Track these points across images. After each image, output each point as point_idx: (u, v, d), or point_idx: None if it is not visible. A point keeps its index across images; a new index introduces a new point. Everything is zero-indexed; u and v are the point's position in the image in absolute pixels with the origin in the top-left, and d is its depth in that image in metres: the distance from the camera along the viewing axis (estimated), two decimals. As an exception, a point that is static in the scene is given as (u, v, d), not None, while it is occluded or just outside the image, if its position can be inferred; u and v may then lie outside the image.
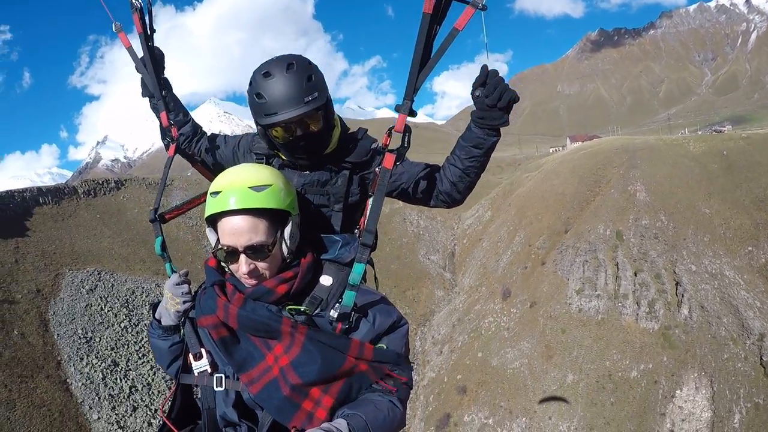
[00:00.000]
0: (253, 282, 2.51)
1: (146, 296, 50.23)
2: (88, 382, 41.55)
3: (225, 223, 2.45)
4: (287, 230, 2.53)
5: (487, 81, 2.69)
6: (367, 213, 3.01)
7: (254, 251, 2.43)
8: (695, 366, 45.17)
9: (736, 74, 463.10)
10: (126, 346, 45.44)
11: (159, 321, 2.88)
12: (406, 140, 2.81)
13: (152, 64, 3.52)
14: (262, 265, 2.48)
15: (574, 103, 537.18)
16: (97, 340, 45.01)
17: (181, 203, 3.50)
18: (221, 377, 2.58)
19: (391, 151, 2.79)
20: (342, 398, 2.42)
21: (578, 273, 52.28)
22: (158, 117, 3.60)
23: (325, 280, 2.61)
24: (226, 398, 2.59)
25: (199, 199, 3.26)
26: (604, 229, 54.31)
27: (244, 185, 2.43)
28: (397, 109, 2.73)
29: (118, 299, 48.54)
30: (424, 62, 2.67)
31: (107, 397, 41.61)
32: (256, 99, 2.88)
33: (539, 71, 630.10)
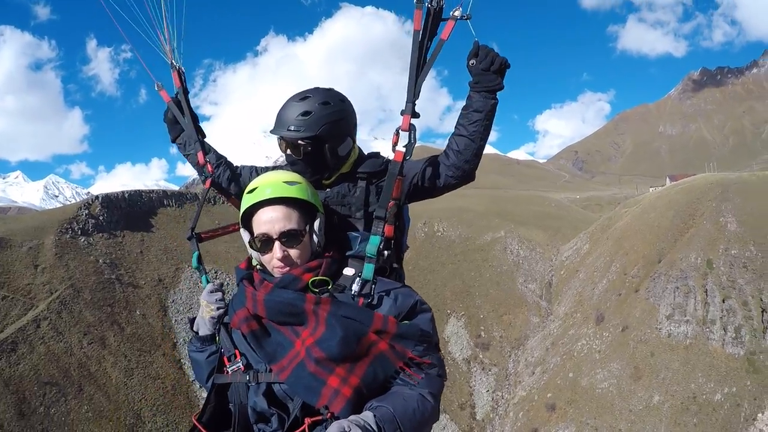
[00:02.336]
0: (286, 269, 2.72)
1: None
2: None
3: (260, 215, 2.73)
4: (316, 223, 2.80)
5: (478, 52, 3.08)
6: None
7: (288, 238, 2.68)
8: None
9: None
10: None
11: (197, 333, 3.07)
12: (412, 137, 3.09)
13: (191, 113, 4.03)
14: (294, 252, 2.71)
15: (676, 143, 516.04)
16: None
17: (218, 227, 3.84)
18: (254, 373, 2.68)
19: (400, 148, 3.11)
20: (368, 381, 2.47)
21: (669, 299, 54.49)
22: (185, 156, 4.18)
23: (348, 271, 2.85)
24: (257, 390, 2.66)
25: (235, 226, 3.39)
26: (695, 258, 56.21)
27: (278, 180, 2.75)
28: (402, 112, 3.10)
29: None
30: (419, 69, 3.09)
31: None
32: None
33: (641, 111, 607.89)
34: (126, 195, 58.90)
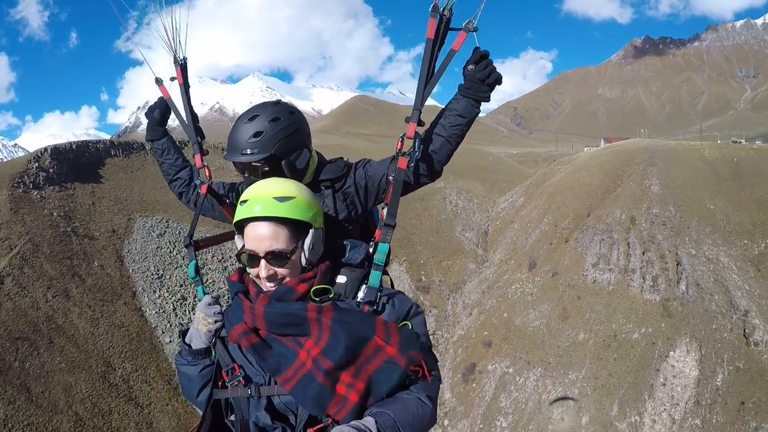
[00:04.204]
0: (271, 285, 2.74)
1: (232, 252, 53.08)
2: (161, 311, 46.91)
3: (249, 229, 2.73)
4: (307, 241, 2.77)
5: (479, 60, 3.16)
6: (383, 213, 3.19)
7: (274, 257, 2.67)
8: (687, 333, 51.43)
9: None
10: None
11: (189, 346, 3.05)
12: (416, 145, 3.17)
13: (191, 113, 4.00)
14: (281, 271, 2.72)
15: (614, 106, 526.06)
16: (168, 277, 50.05)
17: (216, 235, 3.97)
18: (254, 386, 2.70)
19: (403, 154, 3.18)
20: (374, 384, 2.51)
21: (595, 249, 59.40)
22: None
23: (341, 278, 2.86)
24: (258, 404, 2.70)
25: (233, 235, 3.27)
26: (620, 214, 61.29)
27: (269, 195, 2.70)
28: (407, 119, 3.16)
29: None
30: (429, 78, 3.14)
31: (177, 324, 46.40)
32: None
33: (582, 72, 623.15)
34: (74, 146, 58.41)
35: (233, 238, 3.30)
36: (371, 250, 2.98)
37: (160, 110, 4.18)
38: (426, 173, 3.49)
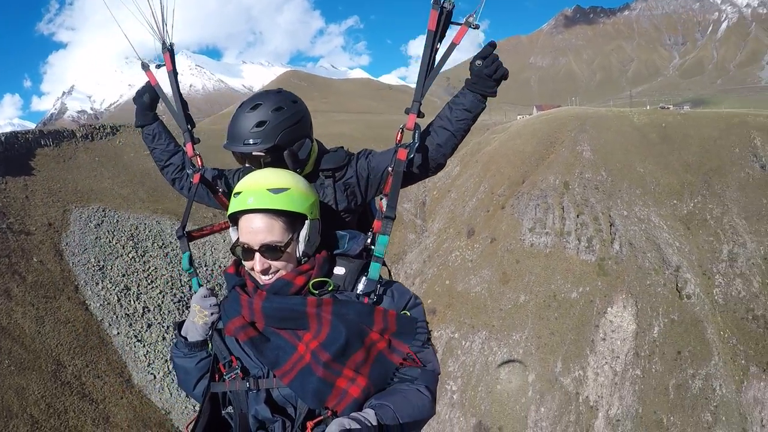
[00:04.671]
0: (267, 279, 2.71)
1: (149, 231, 53.41)
2: (106, 303, 45.02)
3: (244, 222, 2.68)
4: (303, 232, 2.72)
5: (487, 56, 3.17)
6: (384, 207, 3.14)
7: (268, 250, 2.63)
8: (623, 289, 53.92)
9: (702, 60, 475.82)
10: (135, 274, 48.70)
11: (185, 339, 3.00)
12: (415, 136, 3.19)
13: (181, 100, 3.90)
14: (276, 264, 2.68)
15: (546, 75, 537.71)
16: (109, 267, 47.86)
17: (210, 224, 3.78)
18: (253, 379, 2.70)
19: (404, 146, 3.18)
20: (375, 379, 2.54)
21: (531, 215, 60.91)
22: (152, 150, 4.10)
23: (339, 270, 2.82)
24: (257, 397, 2.70)
25: (226, 224, 3.31)
26: (554, 180, 62.96)
27: (263, 187, 2.66)
28: (407, 111, 3.19)
29: (123, 233, 51.59)
30: (429, 69, 3.15)
31: (123, 316, 44.88)
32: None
33: (514, 42, 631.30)
34: (2, 138, 54.98)
35: (227, 228, 3.35)
36: (369, 241, 3.01)
37: (150, 94, 4.07)
38: (431, 166, 3.53)
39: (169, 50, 3.93)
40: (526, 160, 69.09)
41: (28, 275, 43.07)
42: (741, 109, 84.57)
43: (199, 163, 3.88)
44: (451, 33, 3.21)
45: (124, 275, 48.56)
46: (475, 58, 3.21)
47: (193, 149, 3.88)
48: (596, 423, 48.64)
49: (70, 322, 41.98)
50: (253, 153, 3.20)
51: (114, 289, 46.75)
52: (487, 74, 3.18)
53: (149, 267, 50.46)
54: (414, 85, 3.31)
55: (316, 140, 3.58)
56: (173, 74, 3.93)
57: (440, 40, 3.15)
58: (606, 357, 51.44)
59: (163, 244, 53.85)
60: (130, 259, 50.41)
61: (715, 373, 48.92)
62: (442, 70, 3.22)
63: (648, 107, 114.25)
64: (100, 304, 44.91)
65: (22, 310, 40.24)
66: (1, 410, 33.01)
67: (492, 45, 3.21)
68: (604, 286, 55.23)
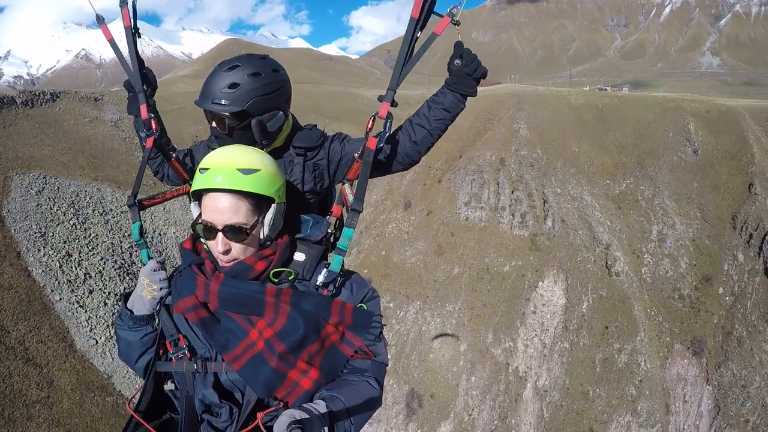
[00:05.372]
0: (227, 260, 2.62)
1: (89, 198, 52.47)
2: (47, 269, 44.58)
3: (208, 200, 2.56)
4: (268, 216, 2.63)
5: (464, 54, 3.16)
6: (347, 194, 3.26)
7: (232, 231, 2.53)
8: (554, 265, 55.35)
9: (644, 42, 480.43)
10: (77, 240, 48.37)
11: (130, 312, 2.88)
12: (388, 126, 3.10)
13: (138, 58, 3.68)
14: (237, 247, 2.58)
15: (487, 51, 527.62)
16: (51, 234, 47.34)
17: (161, 192, 3.66)
18: (201, 361, 2.64)
19: (375, 135, 3.08)
20: (326, 371, 2.53)
21: (467, 189, 61.44)
22: (141, 135, 3.69)
23: (299, 256, 2.75)
24: (205, 381, 2.65)
25: (179, 190, 3.48)
26: (491, 156, 63.60)
27: (232, 166, 2.53)
28: (380, 98, 3.05)
29: (64, 200, 50.97)
30: (408, 59, 3.02)
31: (66, 282, 44.61)
32: None
33: None
34: None
35: (179, 196, 3.42)
36: (331, 228, 3.02)
37: (152, 82, 3.89)
38: (404, 162, 3.52)
39: (126, 4, 3.69)
40: (463, 136, 69.81)
41: (-34, 243, 42.73)
42: (677, 94, 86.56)
43: (154, 127, 3.63)
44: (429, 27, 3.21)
45: (65, 242, 47.94)
46: (453, 57, 3.20)
47: (148, 111, 3.66)
48: (525, 393, 49.93)
49: (12, 288, 41.49)
50: (220, 113, 3.13)
51: (56, 256, 46.25)
52: (467, 73, 3.18)
53: (90, 234, 49.93)
54: (354, 57, 3.15)
55: (292, 115, 3.51)
56: (130, 31, 3.71)
57: (420, 29, 3.07)
58: (536, 329, 52.75)
59: (103, 211, 53.06)
60: (71, 226, 49.66)
61: (640, 348, 50.54)
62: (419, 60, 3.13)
63: (587, 87, 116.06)
64: (42, 271, 44.34)
65: (-37, 276, 40.00)
66: None
67: (464, 47, 3.21)
68: (536, 261, 56.39)
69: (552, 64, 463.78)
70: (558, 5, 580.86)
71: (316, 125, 3.59)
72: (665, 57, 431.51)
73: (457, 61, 3.16)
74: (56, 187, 51.92)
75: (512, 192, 61.08)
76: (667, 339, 51.40)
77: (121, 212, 53.19)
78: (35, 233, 46.68)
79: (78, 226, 49.79)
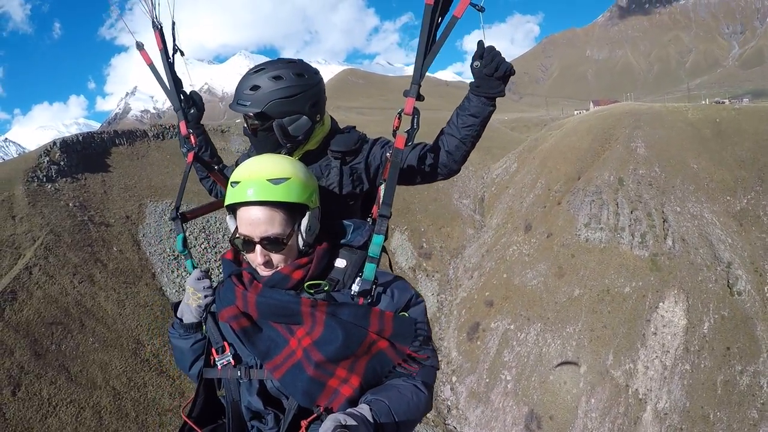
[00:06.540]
0: (268, 272, 2.65)
1: (219, 224, 55.13)
2: (181, 289, 46.10)
3: (243, 213, 2.59)
4: (304, 223, 2.65)
5: (484, 54, 3.02)
6: (381, 194, 3.07)
7: (270, 243, 2.56)
8: (675, 285, 53.78)
9: (762, 49, 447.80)
10: (207, 263, 51.00)
11: (181, 320, 3.05)
12: (415, 122, 2.98)
13: (173, 78, 3.80)
14: (277, 257, 2.62)
15: (602, 68, 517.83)
16: (183, 257, 51.12)
17: (204, 205, 3.83)
18: (245, 368, 2.68)
19: (401, 132, 3.01)
20: (369, 378, 2.50)
21: (586, 210, 61.29)
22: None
23: (340, 263, 2.74)
24: (250, 388, 2.69)
25: (221, 203, 3.25)
26: (609, 176, 63.02)
27: (262, 177, 2.54)
28: (405, 93, 2.96)
29: (195, 226, 54.20)
30: (429, 48, 2.89)
31: None
32: None
33: (569, 35, 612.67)
34: (80, 138, 58.17)
35: (221, 207, 3.33)
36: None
37: (196, 103, 4.04)
38: (441, 172, 3.50)
39: (159, 29, 3.84)
40: (581, 157, 69.18)
41: (109, 263, 45.92)
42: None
43: (193, 142, 3.83)
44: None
45: (196, 265, 49.01)
46: (473, 59, 3.11)
47: (187, 128, 3.85)
48: (644, 416, 48.98)
49: (148, 305, 44.66)
50: (245, 114, 3.24)
51: (188, 277, 48.14)
52: (487, 74, 3.09)
53: (218, 256, 51.11)
54: (470, 80, 3.24)
55: (330, 117, 3.53)
56: (164, 53, 3.83)
57: (441, 15, 2.95)
58: (656, 351, 51.61)
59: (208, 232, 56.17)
60: (203, 250, 52.93)
61: (763, 370, 48.67)
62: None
63: (706, 101, 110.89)
64: (176, 291, 47.09)
65: (105, 294, 43.15)
66: (87, 382, 36.10)
67: (486, 45, 3.11)
68: (657, 282, 55.18)
69: (669, 78, 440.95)
70: (671, 16, 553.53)
71: (354, 127, 3.60)
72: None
73: (476, 63, 3.09)
74: (208, 264, 54.23)
75: (631, 212, 60.24)
76: (791, 360, 49.29)
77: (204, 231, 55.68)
78: (169, 256, 50.07)
79: (209, 250, 53.20)
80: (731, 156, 63.95)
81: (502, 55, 3.05)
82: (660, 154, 65.41)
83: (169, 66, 3.84)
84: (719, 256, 55.78)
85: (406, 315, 2.68)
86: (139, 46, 3.96)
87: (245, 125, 3.37)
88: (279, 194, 2.54)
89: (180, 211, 3.63)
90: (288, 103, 3.18)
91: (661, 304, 53.93)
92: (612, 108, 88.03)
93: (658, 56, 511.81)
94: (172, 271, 48.97)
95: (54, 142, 55.86)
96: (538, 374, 53.74)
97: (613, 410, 50.08)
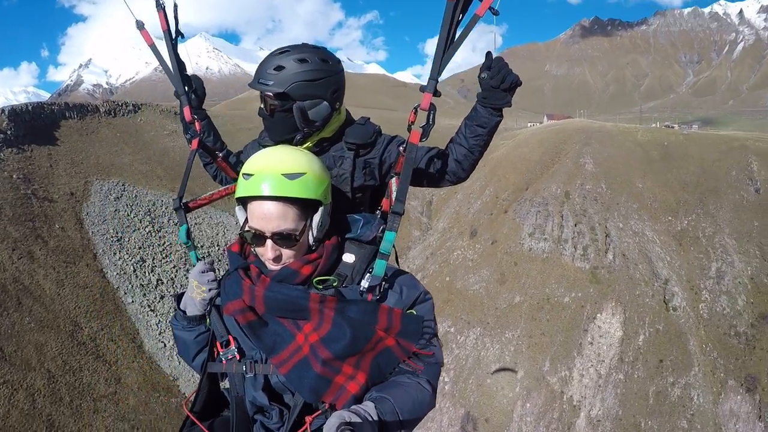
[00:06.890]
0: (277, 267, 2.55)
1: (165, 208, 54.57)
2: (122, 272, 46.01)
3: (255, 207, 2.49)
4: (316, 219, 2.54)
5: (492, 65, 2.96)
6: (393, 189, 3.12)
7: (281, 238, 2.46)
8: (613, 297, 55.56)
9: (716, 80, 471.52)
10: (151, 247, 49.94)
11: (183, 312, 2.91)
12: (431, 118, 2.81)
13: (177, 60, 3.61)
14: (287, 252, 2.52)
15: (560, 83, 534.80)
16: (126, 239, 49.01)
17: (207, 194, 3.51)
18: (250, 362, 2.62)
19: (417, 128, 2.82)
20: (374, 375, 2.45)
21: (532, 220, 62.61)
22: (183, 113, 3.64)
23: (348, 257, 2.66)
24: (255, 383, 2.63)
25: (225, 191, 3.39)
26: (556, 189, 64.68)
27: (277, 171, 2.44)
28: (422, 89, 2.78)
29: (141, 208, 53.01)
30: (448, 45, 2.73)
31: (138, 286, 45.98)
32: None
33: (531, 48, 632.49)
34: (30, 107, 55.93)
35: (224, 196, 3.39)
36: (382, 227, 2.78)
37: (197, 92, 3.87)
38: (450, 179, 3.49)
39: (162, 9, 3.63)
40: (531, 168, 70.63)
41: (50, 240, 44.33)
42: (742, 133, 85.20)
43: (197, 128, 3.58)
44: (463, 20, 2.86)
45: (140, 248, 49.59)
46: (481, 70, 3.04)
47: (191, 113, 3.62)
48: (578, 422, 49.95)
49: (87, 287, 43.16)
50: (264, 94, 3.16)
51: (130, 260, 47.87)
52: (494, 85, 3.04)
53: (165, 242, 51.62)
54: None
55: (345, 109, 3.48)
56: (167, 34, 3.62)
57: (462, 12, 2.81)
58: (592, 360, 52.88)
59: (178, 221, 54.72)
60: (147, 233, 51.67)
61: (694, 383, 50.20)
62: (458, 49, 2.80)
63: (657, 124, 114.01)
64: (117, 273, 45.92)
65: (44, 272, 41.48)
66: (21, 363, 34.33)
67: (494, 57, 3.06)
68: (596, 293, 56.80)
69: (624, 99, 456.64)
70: (632, 40, 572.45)
71: (369, 119, 3.50)
72: (737, 94, 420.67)
73: (484, 74, 3.03)
74: (134, 195, 54.63)
75: (575, 225, 61.74)
76: (721, 375, 50.50)
77: (196, 223, 55.08)
78: (112, 237, 48.68)
79: (153, 234, 51.92)
80: (676, 178, 66.01)
81: (509, 68, 3.02)
82: (607, 171, 67.18)
83: (173, 48, 3.68)
84: (657, 273, 57.62)
85: (414, 312, 2.61)
86: (140, 26, 3.76)
87: (261, 105, 3.30)
88: (294, 190, 2.44)
89: (183, 201, 3.36)
90: (311, 87, 3.11)
91: (599, 315, 55.53)
92: (565, 123, 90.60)
93: (614, 77, 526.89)
94: (114, 253, 47.74)
95: (2, 110, 53.75)
96: (476, 377, 54.34)
97: (548, 415, 50.94)
